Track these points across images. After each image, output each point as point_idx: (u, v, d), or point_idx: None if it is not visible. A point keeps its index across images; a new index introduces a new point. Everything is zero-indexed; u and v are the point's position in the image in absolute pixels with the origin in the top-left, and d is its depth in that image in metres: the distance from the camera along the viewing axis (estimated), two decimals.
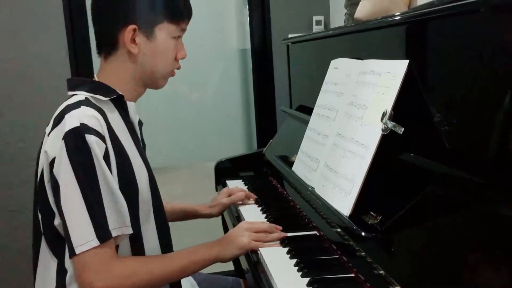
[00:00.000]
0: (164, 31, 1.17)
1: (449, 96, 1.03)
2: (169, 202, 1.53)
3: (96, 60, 1.25)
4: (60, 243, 1.09)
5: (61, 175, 1.03)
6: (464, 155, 0.99)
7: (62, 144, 1.03)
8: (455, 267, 0.86)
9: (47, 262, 1.12)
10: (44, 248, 1.12)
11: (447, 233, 0.93)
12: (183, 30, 1.22)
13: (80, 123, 1.04)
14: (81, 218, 1.01)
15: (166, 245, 1.23)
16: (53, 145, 1.05)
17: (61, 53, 2.36)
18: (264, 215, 1.49)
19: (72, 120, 1.05)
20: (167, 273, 1.11)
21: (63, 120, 1.06)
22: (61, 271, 1.09)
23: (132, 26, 1.14)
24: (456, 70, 1.00)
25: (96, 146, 1.03)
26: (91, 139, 1.03)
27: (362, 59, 1.34)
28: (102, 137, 1.06)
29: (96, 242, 1.01)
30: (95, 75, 1.22)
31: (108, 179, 1.04)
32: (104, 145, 1.06)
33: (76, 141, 1.02)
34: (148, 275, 1.08)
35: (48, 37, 2.35)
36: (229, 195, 1.61)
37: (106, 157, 1.06)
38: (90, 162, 1.02)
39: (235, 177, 1.97)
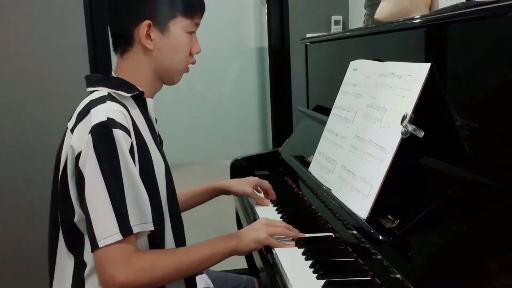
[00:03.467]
0: (178, 25, 1.18)
1: (471, 100, 1.02)
2: (186, 190, 1.54)
3: (115, 56, 1.26)
4: (78, 238, 1.10)
5: (86, 169, 1.03)
6: (485, 161, 0.98)
7: (88, 137, 1.04)
8: (473, 272, 0.86)
9: (64, 257, 1.13)
10: (61, 243, 1.14)
11: (466, 239, 0.92)
12: (197, 24, 1.23)
13: (107, 118, 1.05)
14: (105, 211, 1.02)
15: (179, 239, 1.24)
16: (79, 139, 1.06)
17: (81, 50, 2.39)
18: (280, 215, 1.48)
19: (99, 115, 1.05)
20: (186, 266, 1.12)
21: (89, 115, 1.07)
22: (79, 265, 1.11)
23: (147, 22, 1.15)
24: (479, 75, 0.99)
25: (123, 141, 1.04)
26: (118, 133, 1.04)
27: (382, 61, 1.33)
28: (128, 132, 1.07)
29: (119, 236, 1.02)
30: (112, 72, 1.23)
31: (132, 175, 1.05)
32: (130, 140, 1.07)
33: (103, 135, 1.03)
34: (167, 268, 1.09)
35: (67, 33, 2.37)
36: (256, 186, 1.61)
37: (131, 151, 1.07)
38: (116, 157, 1.03)
39: (250, 176, 1.96)
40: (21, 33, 2.33)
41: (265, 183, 1.63)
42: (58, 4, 2.35)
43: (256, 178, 1.64)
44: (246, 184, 1.60)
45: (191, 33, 1.22)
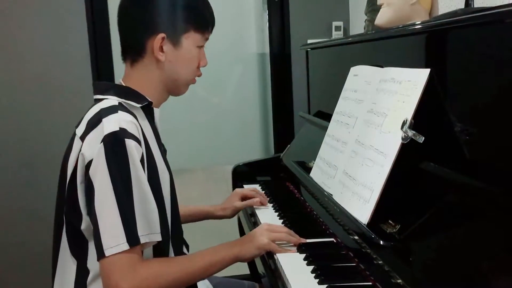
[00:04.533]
0: (190, 40, 1.21)
1: (470, 106, 1.03)
2: (182, 205, 1.55)
3: (117, 63, 1.27)
4: (82, 245, 1.11)
5: (97, 178, 1.04)
6: (485, 165, 0.99)
7: (100, 146, 1.04)
8: (474, 278, 0.86)
9: (66, 263, 1.14)
10: (64, 248, 1.14)
11: (467, 244, 0.92)
12: (207, 39, 1.26)
13: (120, 128, 1.05)
14: (113, 221, 1.02)
15: (178, 247, 1.25)
16: (90, 147, 1.06)
17: (83, 56, 2.40)
18: (281, 220, 1.49)
19: (111, 124, 1.06)
20: (190, 274, 1.13)
21: (101, 124, 1.07)
22: (82, 272, 1.11)
23: (161, 35, 1.17)
24: (478, 81, 1.00)
25: (135, 151, 1.05)
26: (130, 144, 1.05)
27: (382, 67, 1.34)
28: (139, 142, 1.08)
29: (126, 246, 1.02)
30: (120, 80, 1.24)
31: (143, 185, 1.06)
32: (142, 150, 1.08)
33: (115, 145, 1.04)
34: (171, 276, 1.09)
35: (70, 40, 2.39)
36: (242, 197, 1.63)
37: (142, 162, 1.08)
38: (127, 167, 1.04)
39: (252, 181, 1.98)
40: (23, 39, 2.34)
41: (250, 191, 1.66)
42: (61, 11, 2.36)
43: (239, 190, 1.67)
44: (232, 201, 1.62)
45: (201, 47, 1.24)
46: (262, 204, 1.63)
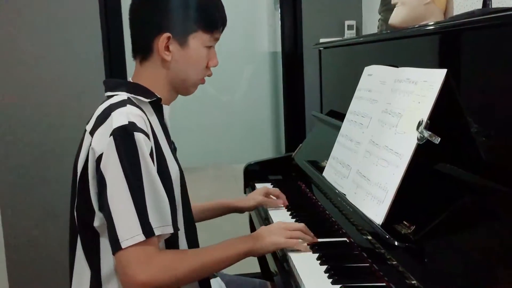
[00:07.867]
0: (197, 40, 1.20)
1: (487, 107, 1.02)
2: (199, 203, 1.56)
3: (130, 62, 1.27)
4: (96, 243, 1.11)
5: (108, 171, 1.05)
6: (501, 167, 0.98)
7: (110, 140, 1.05)
8: (490, 280, 0.85)
9: (81, 264, 1.15)
10: (79, 250, 1.15)
11: (482, 245, 0.92)
12: (217, 39, 1.24)
13: (129, 121, 1.06)
14: (127, 213, 1.03)
15: (193, 244, 1.25)
16: (100, 141, 1.07)
17: (96, 55, 2.41)
18: (294, 220, 1.49)
19: (120, 118, 1.07)
20: (205, 266, 1.13)
21: (110, 118, 1.08)
22: (96, 271, 1.12)
23: (166, 34, 1.17)
24: (494, 82, 0.99)
25: (144, 144, 1.06)
26: (139, 137, 1.05)
27: (397, 67, 1.33)
28: (148, 136, 1.09)
29: (142, 237, 1.03)
30: (130, 78, 1.25)
31: (153, 178, 1.07)
32: (150, 144, 1.09)
33: (125, 138, 1.05)
34: (187, 267, 1.10)
35: (83, 39, 2.41)
36: (266, 194, 1.63)
37: (151, 155, 1.08)
38: (137, 159, 1.05)
39: (263, 180, 1.98)
40: (37, 39, 2.36)
41: (275, 190, 1.66)
42: (75, 11, 2.38)
43: (264, 187, 1.67)
44: (255, 194, 1.63)
45: (210, 47, 1.23)
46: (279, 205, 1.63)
